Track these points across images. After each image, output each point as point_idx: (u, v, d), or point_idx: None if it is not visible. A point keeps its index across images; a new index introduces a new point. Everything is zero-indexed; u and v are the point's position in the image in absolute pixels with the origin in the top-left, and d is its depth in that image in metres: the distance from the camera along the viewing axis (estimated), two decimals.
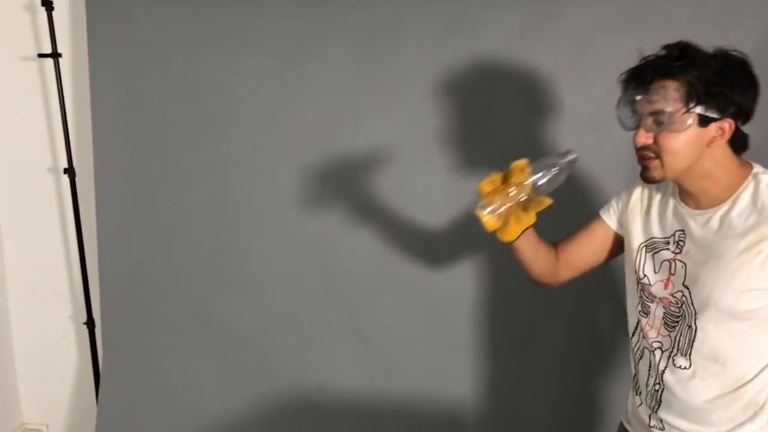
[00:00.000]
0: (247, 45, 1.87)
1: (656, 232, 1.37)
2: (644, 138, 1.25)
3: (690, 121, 1.21)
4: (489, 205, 1.28)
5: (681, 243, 1.31)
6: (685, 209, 1.33)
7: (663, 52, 1.25)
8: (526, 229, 1.35)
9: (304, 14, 1.83)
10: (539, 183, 1.29)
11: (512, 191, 1.28)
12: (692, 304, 1.28)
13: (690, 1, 1.74)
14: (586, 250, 1.50)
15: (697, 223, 1.30)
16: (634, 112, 1.26)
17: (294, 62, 1.86)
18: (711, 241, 1.28)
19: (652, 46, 1.23)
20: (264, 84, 1.88)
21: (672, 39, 1.68)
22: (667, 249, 1.33)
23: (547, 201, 1.31)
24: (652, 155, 1.25)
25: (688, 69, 1.21)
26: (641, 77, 1.25)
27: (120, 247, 2.02)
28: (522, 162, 1.29)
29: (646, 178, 1.29)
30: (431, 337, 1.93)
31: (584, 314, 1.87)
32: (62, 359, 2.29)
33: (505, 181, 1.30)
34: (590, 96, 1.74)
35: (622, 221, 1.44)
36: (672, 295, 1.33)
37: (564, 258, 1.49)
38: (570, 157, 1.29)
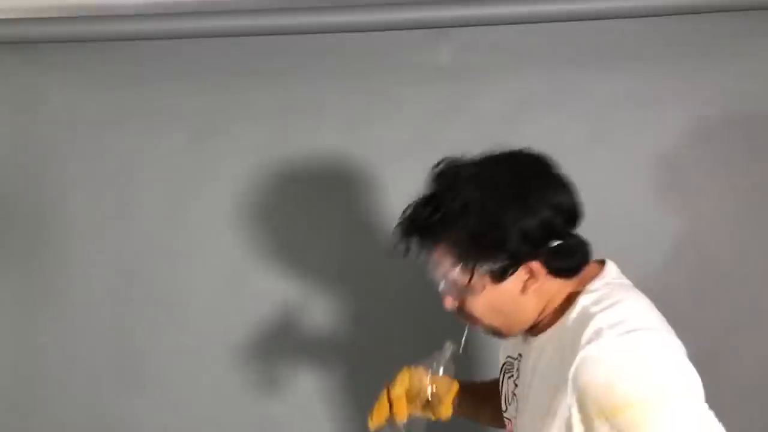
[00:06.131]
0: (152, 124, 1.78)
1: (510, 349, 1.19)
2: (449, 303, 1.09)
3: (482, 282, 1.03)
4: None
5: (518, 373, 1.14)
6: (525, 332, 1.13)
7: (420, 201, 1.07)
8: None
9: (210, 92, 1.76)
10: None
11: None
12: None
13: (615, 77, 1.71)
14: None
15: (526, 349, 1.11)
16: None
17: (200, 140, 1.78)
18: (529, 379, 1.08)
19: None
20: (170, 163, 1.79)
21: (594, 115, 1.70)
22: (512, 377, 1.15)
23: (454, 386, 1.17)
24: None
25: (447, 225, 1.02)
26: (405, 243, 1.07)
27: (11, 339, 1.85)
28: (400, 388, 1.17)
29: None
30: None
31: None
32: None
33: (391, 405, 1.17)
34: None
35: None
36: None
37: None
38: (448, 353, 1.17)
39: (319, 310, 1.80)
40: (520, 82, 1.72)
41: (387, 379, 1.22)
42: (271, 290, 1.80)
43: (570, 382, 0.97)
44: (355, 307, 1.81)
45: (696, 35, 1.68)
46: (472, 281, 1.03)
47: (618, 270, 1.12)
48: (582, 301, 1.03)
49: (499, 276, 1.03)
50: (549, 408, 1.00)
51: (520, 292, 1.05)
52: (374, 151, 1.75)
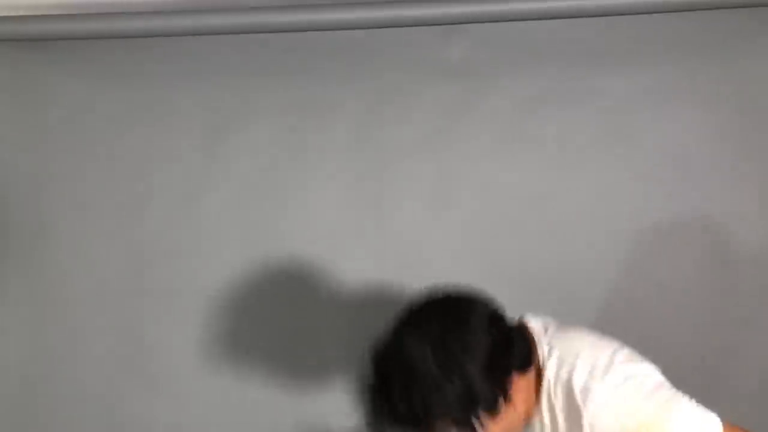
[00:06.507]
0: (166, 121, 1.78)
1: None
2: None
3: (484, 424, 1.10)
4: None
5: None
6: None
7: (383, 399, 1.10)
8: None
9: (220, 91, 1.76)
10: None
11: None
12: None
13: (627, 74, 1.71)
14: None
15: None
16: None
17: (211, 138, 1.78)
18: None
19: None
20: (180, 161, 1.79)
21: (606, 112, 1.71)
22: None
23: None
24: None
25: (432, 411, 1.07)
26: None
27: (19, 333, 1.84)
28: None
29: None
30: None
31: None
32: None
33: None
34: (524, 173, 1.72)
35: None
36: None
37: None
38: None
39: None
40: (531, 79, 1.72)
41: None
42: (282, 283, 1.80)
43: None
44: None
45: (710, 31, 1.67)
46: (481, 428, 1.10)
47: (538, 320, 1.20)
48: (549, 372, 1.13)
49: (494, 411, 1.10)
50: None
51: (513, 405, 1.13)
52: (385, 149, 1.75)
